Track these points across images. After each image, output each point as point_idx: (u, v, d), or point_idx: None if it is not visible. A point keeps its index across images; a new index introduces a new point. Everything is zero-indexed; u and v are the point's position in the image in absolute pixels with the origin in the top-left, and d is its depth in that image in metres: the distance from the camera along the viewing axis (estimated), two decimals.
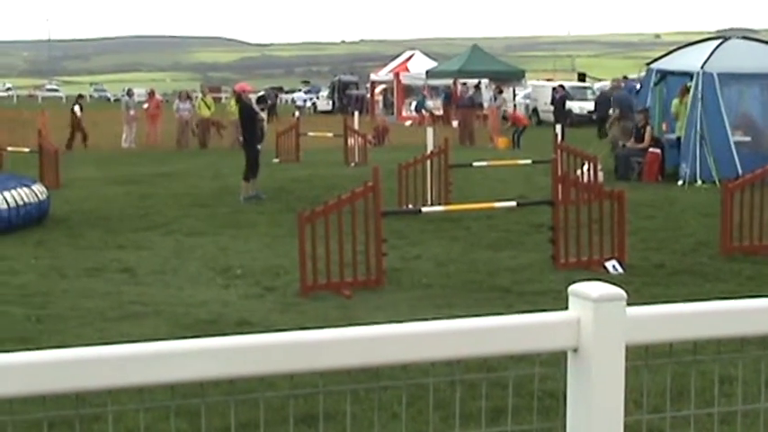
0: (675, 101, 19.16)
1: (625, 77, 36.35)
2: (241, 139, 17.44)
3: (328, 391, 2.57)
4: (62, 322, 8.20)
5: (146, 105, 34.24)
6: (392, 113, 46.61)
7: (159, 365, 2.10)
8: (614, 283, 2.36)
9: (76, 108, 31.51)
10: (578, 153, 16.90)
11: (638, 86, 23.24)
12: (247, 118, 16.90)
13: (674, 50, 21.27)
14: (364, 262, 9.56)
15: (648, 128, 19.46)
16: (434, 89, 45.83)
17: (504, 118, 32.85)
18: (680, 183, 18.07)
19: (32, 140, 21.98)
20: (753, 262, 10.65)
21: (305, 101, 65.97)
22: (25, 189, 13.72)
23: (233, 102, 32.13)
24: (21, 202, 13.35)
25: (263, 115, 17.31)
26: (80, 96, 34.72)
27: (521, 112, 39.59)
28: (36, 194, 13.88)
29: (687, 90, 18.74)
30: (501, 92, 34.83)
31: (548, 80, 53.27)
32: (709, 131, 18.21)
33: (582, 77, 53.91)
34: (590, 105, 42.62)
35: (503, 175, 18.89)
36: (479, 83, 37.93)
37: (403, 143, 29.04)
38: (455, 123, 35.18)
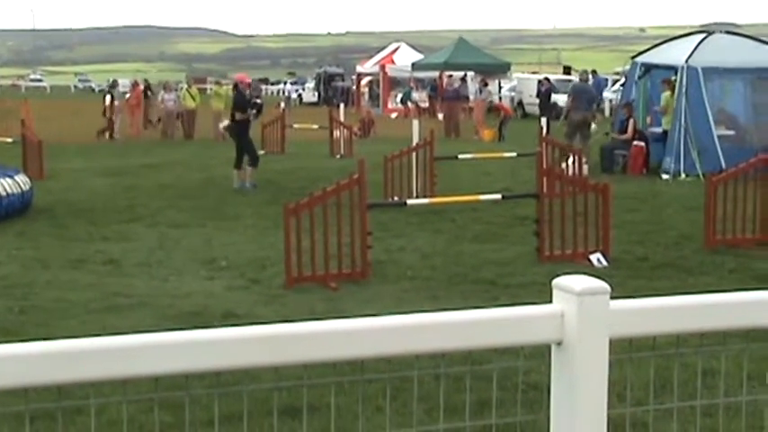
0: (666, 94, 19.13)
1: (594, 72, 36.50)
2: (222, 126, 17.52)
3: (312, 383, 2.57)
4: (45, 314, 8.17)
5: (128, 96, 34.09)
6: (378, 105, 46.58)
7: (143, 358, 2.10)
8: (598, 277, 2.37)
9: (108, 98, 31.36)
10: (563, 146, 16.94)
11: (622, 80, 23.29)
12: (240, 109, 16.96)
13: (659, 44, 21.34)
14: (349, 254, 9.56)
15: (632, 120, 19.52)
16: (420, 81, 45.82)
17: (490, 109, 32.90)
18: (665, 176, 18.12)
19: (16, 130, 21.88)
20: (735, 255, 10.70)
21: (291, 92, 66.04)
22: (8, 179, 13.64)
23: (219, 90, 32.11)
24: (3, 193, 13.28)
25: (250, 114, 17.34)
26: (113, 86, 34.11)
27: (506, 102, 39.66)
28: (19, 185, 13.81)
29: (672, 84, 18.78)
30: (486, 84, 34.86)
31: (533, 73, 53.40)
32: (693, 125, 18.28)
33: (567, 71, 54.01)
34: None
35: (488, 168, 18.91)
36: (465, 75, 37.94)
37: (388, 135, 29.04)
38: (441, 116, 35.19)
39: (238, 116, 16.91)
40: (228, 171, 17.52)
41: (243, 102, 17.16)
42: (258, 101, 17.78)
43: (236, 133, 17.10)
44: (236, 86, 17.91)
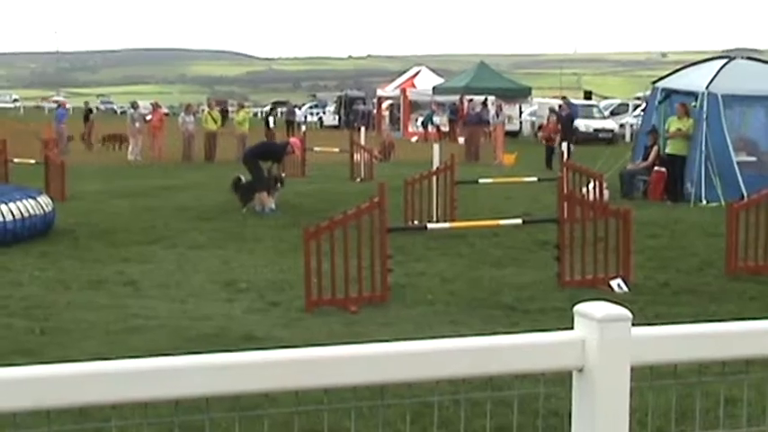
0: (672, 119, 18.99)
1: (563, 98, 36.64)
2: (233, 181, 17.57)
3: (333, 407, 2.57)
4: (65, 335, 8.20)
5: (149, 117, 34.35)
6: (398, 129, 46.68)
7: (164, 380, 2.11)
8: (618, 303, 2.36)
9: (270, 120, 31.84)
10: (584, 171, 16.90)
11: (642, 105, 23.20)
12: (273, 158, 17.34)
13: (680, 69, 21.29)
14: (369, 278, 9.55)
15: (656, 148, 19.41)
16: (441, 105, 45.92)
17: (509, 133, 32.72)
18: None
19: (38, 152, 22.05)
20: (757, 282, 10.63)
21: (305, 116, 66.13)
22: (31, 201, 13.73)
23: (241, 113, 32.32)
24: (26, 214, 13.37)
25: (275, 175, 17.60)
26: (274, 108, 34.22)
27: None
28: (41, 206, 13.89)
29: (687, 109, 18.63)
30: (501, 109, 34.96)
31: (554, 98, 53.39)
32: (714, 152, 18.21)
33: (588, 95, 53.99)
34: (596, 123, 42.72)
35: (508, 193, 18.89)
36: (486, 100, 37.99)
37: (409, 159, 29.09)
38: (461, 140, 35.19)
39: (262, 163, 17.17)
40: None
41: (278, 156, 17.51)
42: (283, 174, 17.96)
43: (252, 166, 17.19)
44: (285, 146, 18.12)
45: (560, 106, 35.92)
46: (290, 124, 49.11)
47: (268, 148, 17.72)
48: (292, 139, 19.60)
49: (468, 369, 2.31)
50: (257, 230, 14.70)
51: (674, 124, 18.81)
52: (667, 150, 18.89)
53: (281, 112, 49.95)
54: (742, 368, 2.69)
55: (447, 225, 13.01)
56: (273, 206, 16.92)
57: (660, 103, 20.37)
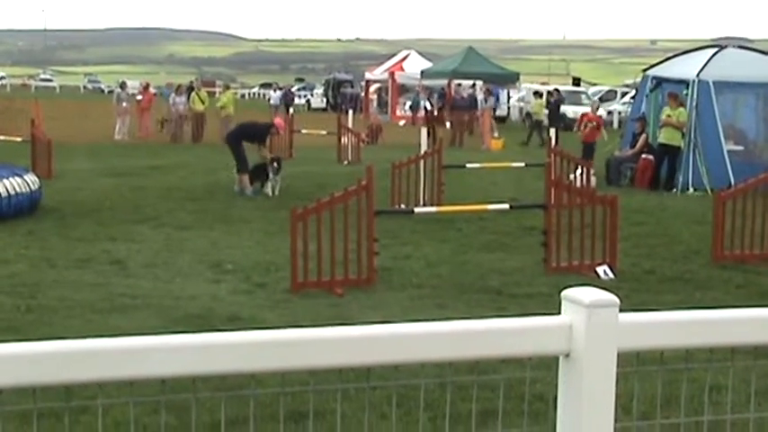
0: (666, 109, 19.01)
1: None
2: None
3: (318, 389, 2.56)
4: (51, 313, 8.18)
5: (139, 98, 34.15)
6: (386, 112, 46.60)
7: (150, 359, 2.10)
8: (605, 289, 2.36)
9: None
10: (572, 157, 16.92)
11: (632, 93, 23.16)
12: (260, 141, 17.34)
13: (671, 57, 21.29)
14: (356, 260, 9.55)
15: (644, 135, 19.41)
16: (428, 89, 45.82)
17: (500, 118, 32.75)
18: (672, 190, 18.08)
19: (25, 130, 21.94)
20: (743, 270, 10.67)
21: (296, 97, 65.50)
22: (17, 179, 13.67)
23: (225, 96, 32.22)
24: (12, 192, 13.31)
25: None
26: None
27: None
28: (28, 184, 13.83)
29: (679, 99, 18.62)
30: (490, 93, 34.94)
31: (542, 84, 53.40)
32: (703, 140, 18.23)
33: (577, 82, 53.98)
34: (584, 110, 42.76)
35: (495, 178, 18.90)
36: (474, 84, 37.96)
37: (396, 142, 29.04)
38: (449, 124, 35.18)
39: (258, 147, 17.31)
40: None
41: (262, 137, 17.50)
42: (280, 159, 17.88)
43: (235, 147, 17.15)
44: (270, 127, 18.02)
45: (549, 92, 36.03)
46: (288, 107, 48.86)
47: (251, 130, 17.59)
48: (276, 120, 19.51)
49: (455, 353, 2.30)
50: (244, 212, 14.68)
51: (665, 113, 18.82)
52: (659, 140, 18.87)
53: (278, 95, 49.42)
54: (727, 356, 2.70)
55: (434, 209, 13.02)
56: (270, 190, 16.91)
57: (651, 91, 20.35)
